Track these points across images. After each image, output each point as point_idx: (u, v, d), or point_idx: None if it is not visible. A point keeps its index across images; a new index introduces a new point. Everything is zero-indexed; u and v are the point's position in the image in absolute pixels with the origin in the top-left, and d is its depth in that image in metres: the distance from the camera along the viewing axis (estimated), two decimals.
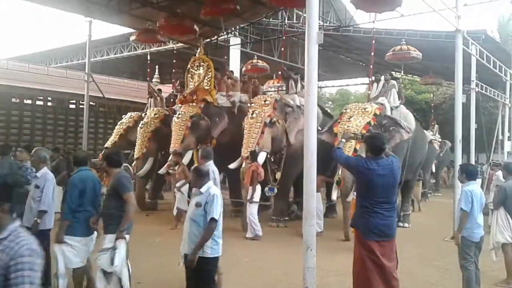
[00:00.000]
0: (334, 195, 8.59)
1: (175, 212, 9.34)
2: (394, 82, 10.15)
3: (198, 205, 3.98)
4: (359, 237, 4.18)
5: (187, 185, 9.23)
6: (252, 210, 8.54)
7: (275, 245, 7.97)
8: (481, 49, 11.82)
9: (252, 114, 9.50)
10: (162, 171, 10.17)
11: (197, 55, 11.66)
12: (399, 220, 9.61)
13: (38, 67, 17.19)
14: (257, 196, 8.66)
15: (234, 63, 15.73)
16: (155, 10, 11.71)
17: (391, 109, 9.66)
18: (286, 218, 10.00)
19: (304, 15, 16.26)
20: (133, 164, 10.85)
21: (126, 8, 11.49)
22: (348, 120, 8.74)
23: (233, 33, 15.77)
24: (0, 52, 59.51)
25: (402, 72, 13.33)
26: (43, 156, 5.22)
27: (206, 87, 10.92)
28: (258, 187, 8.73)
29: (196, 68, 11.35)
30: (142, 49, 16.99)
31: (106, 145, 11.84)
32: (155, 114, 11.59)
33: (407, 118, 9.60)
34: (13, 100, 14.87)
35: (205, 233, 3.89)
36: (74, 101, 15.96)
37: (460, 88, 9.09)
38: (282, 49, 14.97)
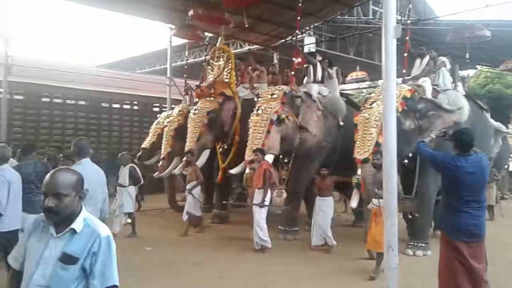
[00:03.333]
0: (354, 202, 7.05)
1: (185, 217, 8.68)
2: (444, 59, 8.33)
3: (66, 260, 2.06)
4: (445, 238, 4.02)
5: (199, 187, 8.80)
6: (262, 216, 7.36)
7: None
8: None
9: (257, 110, 8.13)
10: (176, 171, 9.54)
11: (217, 45, 10.99)
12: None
13: (125, 73, 18.32)
14: (268, 200, 7.43)
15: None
16: (231, 13, 11.99)
17: (437, 92, 7.86)
18: (296, 228, 8.63)
19: (381, 10, 15.85)
20: (159, 164, 10.27)
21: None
22: (370, 106, 7.21)
23: (307, 32, 15.75)
24: (91, 60, 64.16)
25: (468, 56, 11.61)
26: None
27: (226, 80, 10.12)
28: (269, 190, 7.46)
29: (216, 60, 10.56)
30: None
31: (143, 146, 11.45)
32: (179, 111, 10.73)
33: (457, 104, 7.64)
34: (103, 104, 15.94)
35: None
36: (158, 105, 16.78)
37: None
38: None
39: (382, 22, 4.43)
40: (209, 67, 10.70)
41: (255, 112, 8.15)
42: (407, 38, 8.30)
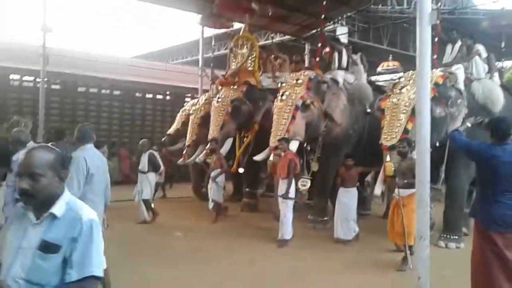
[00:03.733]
0: (379, 190, 6.83)
1: (211, 205, 8.79)
2: (480, 47, 7.91)
3: (46, 248, 1.84)
4: (479, 228, 3.92)
5: (223, 175, 8.83)
6: (289, 207, 7.18)
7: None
8: None
9: (281, 96, 7.94)
10: (199, 159, 9.55)
11: (241, 33, 10.79)
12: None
13: (158, 63, 18.63)
14: (293, 192, 7.24)
15: None
16: (262, 4, 11.98)
17: (470, 81, 7.56)
18: (326, 218, 8.48)
19: None
20: (184, 152, 10.33)
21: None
22: (399, 92, 6.99)
23: (339, 22, 15.56)
24: (125, 51, 65.53)
25: (503, 45, 10.99)
26: (20, 138, 4.82)
27: (250, 68, 9.98)
28: (293, 181, 7.27)
29: (239, 47, 10.39)
30: None
31: (168, 132, 11.63)
32: (205, 99, 10.73)
33: (491, 94, 7.33)
34: (137, 94, 16.25)
35: None
36: (190, 95, 16.97)
37: None
38: None
39: (417, 8, 4.35)
40: (232, 55, 10.57)
41: (279, 98, 7.98)
42: (438, 22, 8.02)
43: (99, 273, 1.87)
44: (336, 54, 9.04)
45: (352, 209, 7.34)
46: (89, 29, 61.85)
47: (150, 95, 16.59)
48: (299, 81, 8.04)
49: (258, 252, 6.66)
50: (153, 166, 8.58)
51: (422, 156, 4.25)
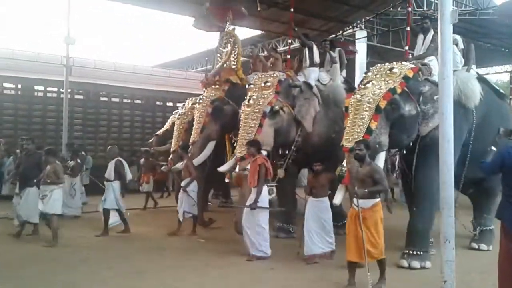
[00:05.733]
0: (339, 198, 5.82)
1: (181, 216, 7.92)
2: (457, 37, 6.98)
3: None
4: (506, 230, 3.82)
5: (195, 184, 8.01)
6: (261, 218, 6.31)
7: None
8: None
9: (248, 100, 7.19)
10: (177, 167, 8.58)
11: (225, 30, 10.35)
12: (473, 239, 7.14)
13: (178, 72, 18.85)
14: (265, 200, 6.37)
15: (361, 57, 15.43)
16: (280, 10, 12.02)
17: None
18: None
19: (436, 1, 15.30)
20: (169, 158, 9.60)
21: (254, 11, 11.84)
22: (363, 87, 6.10)
23: (358, 26, 15.49)
24: (146, 60, 66.49)
25: None
26: None
27: (233, 66, 9.40)
28: (265, 188, 6.42)
29: (224, 46, 9.85)
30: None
31: (157, 133, 11.44)
32: (192, 104, 9.98)
33: (465, 87, 6.40)
34: (158, 103, 16.43)
35: None
36: None
37: None
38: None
39: (438, 7, 4.32)
40: (218, 54, 10.12)
41: (246, 102, 7.28)
42: (409, 9, 7.44)
43: None
44: (306, 50, 8.34)
45: (327, 223, 6.33)
46: (110, 40, 63.06)
47: (171, 103, 16.73)
48: (268, 84, 7.32)
49: (276, 261, 6.30)
50: (119, 175, 7.92)
51: (446, 157, 4.19)
